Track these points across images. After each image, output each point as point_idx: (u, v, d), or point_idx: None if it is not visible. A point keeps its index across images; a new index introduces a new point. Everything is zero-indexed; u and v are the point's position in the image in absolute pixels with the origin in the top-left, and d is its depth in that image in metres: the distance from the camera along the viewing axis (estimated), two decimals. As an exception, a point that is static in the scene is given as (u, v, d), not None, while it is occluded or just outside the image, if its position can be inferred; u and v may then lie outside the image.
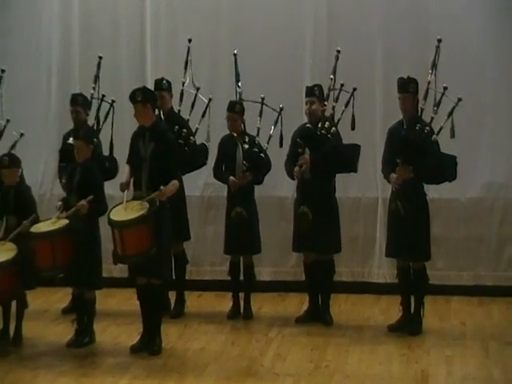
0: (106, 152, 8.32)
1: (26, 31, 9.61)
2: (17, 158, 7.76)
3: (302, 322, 8.13)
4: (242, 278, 8.44)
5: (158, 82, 8.41)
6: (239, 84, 8.57)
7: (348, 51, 8.56)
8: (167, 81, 8.44)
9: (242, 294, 8.40)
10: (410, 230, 7.70)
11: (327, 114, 8.10)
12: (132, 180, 7.43)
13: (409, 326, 7.83)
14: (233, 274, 8.43)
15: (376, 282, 9.19)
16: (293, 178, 8.19)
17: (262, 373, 6.95)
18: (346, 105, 8.04)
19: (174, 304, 8.37)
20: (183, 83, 8.58)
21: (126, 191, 7.35)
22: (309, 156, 8.01)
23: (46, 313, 8.48)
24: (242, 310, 8.37)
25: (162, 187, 7.15)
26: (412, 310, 7.90)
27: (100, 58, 8.65)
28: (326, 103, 8.12)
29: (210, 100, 8.45)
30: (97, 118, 8.43)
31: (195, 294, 8.92)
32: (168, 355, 7.32)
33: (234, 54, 8.63)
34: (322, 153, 7.96)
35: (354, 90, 8.04)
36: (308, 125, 8.13)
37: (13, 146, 8.23)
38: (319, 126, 8.03)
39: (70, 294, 7.98)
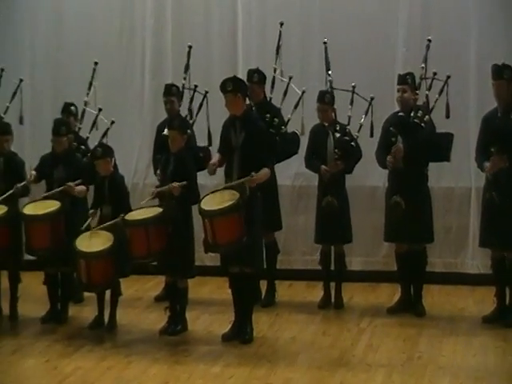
0: (200, 143, 8.39)
1: (119, 22, 9.73)
2: (109, 148, 7.88)
3: (394, 313, 8.05)
4: (332, 267, 8.41)
5: (250, 74, 8.40)
6: (329, 73, 8.53)
7: (442, 39, 8.43)
8: (259, 72, 8.40)
9: (332, 284, 8.36)
10: (504, 219, 7.55)
11: (419, 102, 8.00)
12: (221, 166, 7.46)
13: (504, 318, 7.69)
14: (324, 264, 8.40)
15: (469, 272, 9.05)
16: (384, 168, 8.11)
17: (353, 363, 6.91)
18: (440, 93, 7.94)
19: (264, 293, 8.39)
20: (275, 70, 8.57)
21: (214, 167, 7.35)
22: (402, 145, 7.93)
23: (139, 301, 8.59)
24: (332, 300, 8.34)
25: (252, 173, 7.16)
26: (507, 302, 7.76)
27: (189, 47, 8.72)
28: (417, 92, 8.04)
29: (303, 92, 8.41)
30: (190, 109, 8.50)
31: (286, 283, 8.91)
32: (259, 344, 7.35)
33: (325, 43, 8.59)
34: (415, 142, 7.87)
35: (448, 77, 7.93)
36: (400, 113, 8.04)
37: (104, 134, 8.39)
38: (412, 114, 7.94)
39: (163, 282, 8.05)
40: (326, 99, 8.25)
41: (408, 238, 7.97)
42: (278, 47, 8.66)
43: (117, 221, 7.53)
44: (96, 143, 8.15)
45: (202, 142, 8.44)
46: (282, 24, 8.71)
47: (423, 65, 8.08)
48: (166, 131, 7.99)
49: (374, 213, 8.88)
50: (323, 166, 8.23)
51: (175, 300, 7.64)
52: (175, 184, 7.37)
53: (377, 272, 9.10)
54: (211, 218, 7.19)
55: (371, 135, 8.18)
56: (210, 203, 7.27)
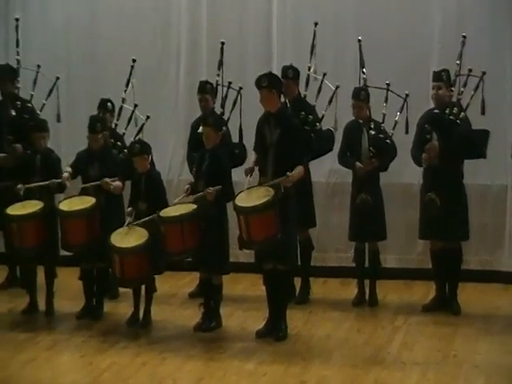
0: (235, 139, 8.41)
1: (154, 18, 9.76)
2: (147, 145, 7.91)
3: (429, 311, 8.02)
4: (367, 264, 8.38)
5: (285, 70, 8.39)
6: (364, 70, 8.50)
7: (477, 35, 8.38)
8: (294, 69, 8.40)
9: (367, 281, 8.34)
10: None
11: (454, 99, 7.95)
12: (258, 166, 7.47)
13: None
14: (358, 261, 8.38)
15: (505, 270, 8.99)
16: (420, 165, 8.08)
17: (388, 361, 6.89)
18: (475, 89, 7.89)
19: (299, 290, 8.38)
20: (309, 68, 8.57)
21: (248, 176, 7.39)
22: (437, 142, 7.88)
23: (173, 297, 8.61)
24: (367, 297, 8.32)
25: (288, 173, 7.16)
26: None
27: (222, 43, 8.73)
28: (452, 89, 7.99)
29: (337, 87, 8.40)
30: (222, 104, 8.50)
31: (320, 280, 8.91)
32: (293, 341, 7.34)
33: (359, 40, 8.57)
34: (451, 139, 7.83)
35: (484, 74, 7.88)
36: (436, 110, 8.00)
37: (140, 130, 8.42)
38: (447, 111, 7.89)
39: (198, 279, 8.08)
40: (361, 96, 8.23)
41: (443, 235, 7.93)
42: (313, 46, 8.66)
43: (153, 217, 7.56)
44: (132, 139, 8.20)
45: (236, 138, 8.45)
46: (316, 24, 8.70)
47: (458, 61, 8.04)
48: (200, 129, 8.02)
49: (408, 210, 8.84)
50: (358, 163, 8.21)
51: (209, 296, 7.66)
52: (210, 189, 7.38)
53: (411, 270, 9.05)
54: (246, 214, 7.19)
55: (406, 132, 8.15)
56: (244, 200, 7.28)
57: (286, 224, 7.22)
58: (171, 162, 9.61)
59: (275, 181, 7.21)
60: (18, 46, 9.14)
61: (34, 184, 7.92)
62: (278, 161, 7.30)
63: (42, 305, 8.14)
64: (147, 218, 7.59)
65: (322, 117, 8.42)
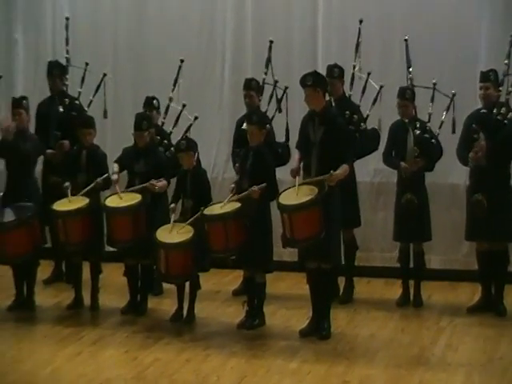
0: (279, 138, 8.41)
1: (200, 16, 9.77)
2: (193, 142, 7.94)
3: (475, 312, 7.95)
4: (411, 265, 8.33)
5: (330, 69, 8.37)
6: (410, 70, 8.46)
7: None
8: (339, 68, 8.39)
9: (411, 282, 8.29)
10: None
11: (501, 99, 7.89)
12: (302, 165, 7.47)
13: None
14: (402, 261, 8.32)
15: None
16: (466, 164, 8.01)
17: (433, 362, 6.84)
18: (524, 89, 7.82)
19: (343, 289, 8.36)
20: (354, 66, 8.55)
21: (297, 177, 7.39)
22: (484, 142, 7.81)
23: (217, 294, 8.63)
24: (411, 298, 8.27)
25: (332, 171, 7.14)
26: None
27: (271, 42, 8.74)
28: (500, 89, 7.92)
29: (381, 87, 8.37)
30: (271, 103, 8.51)
31: (364, 280, 8.86)
32: (337, 340, 7.32)
33: (405, 40, 8.53)
34: (498, 139, 7.76)
35: (532, 73, 7.81)
36: (483, 110, 7.93)
37: (187, 130, 8.47)
38: (494, 111, 7.82)
39: (241, 277, 8.09)
40: (406, 95, 8.18)
41: (490, 236, 7.85)
42: (358, 44, 8.64)
43: (199, 215, 7.58)
44: (178, 138, 8.24)
45: (280, 137, 8.45)
46: (361, 21, 8.69)
47: (506, 61, 7.97)
48: (244, 125, 8.03)
49: (454, 211, 8.78)
50: (403, 163, 8.17)
51: (253, 294, 7.66)
52: (255, 188, 7.39)
53: (457, 271, 8.96)
54: (290, 212, 7.19)
55: (453, 132, 8.09)
56: (288, 198, 7.27)
57: (330, 223, 7.21)
58: (216, 159, 9.63)
59: (319, 178, 7.19)
60: (67, 44, 9.24)
61: (83, 191, 7.97)
62: (321, 160, 7.27)
63: (87, 300, 8.20)
64: (194, 217, 7.61)
65: (367, 116, 8.40)
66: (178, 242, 7.55)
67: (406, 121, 8.22)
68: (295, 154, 7.62)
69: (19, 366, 6.83)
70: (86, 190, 7.98)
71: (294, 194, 7.28)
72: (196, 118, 8.47)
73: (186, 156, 7.84)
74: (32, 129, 8.59)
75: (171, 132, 8.65)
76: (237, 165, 8.17)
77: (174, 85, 8.74)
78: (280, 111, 8.44)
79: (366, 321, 7.87)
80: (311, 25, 9.52)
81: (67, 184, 8.00)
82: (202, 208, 7.57)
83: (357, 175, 8.40)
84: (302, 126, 7.52)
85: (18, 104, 8.18)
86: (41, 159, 8.71)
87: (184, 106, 8.57)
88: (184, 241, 7.55)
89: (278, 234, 7.52)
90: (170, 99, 8.71)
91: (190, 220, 7.64)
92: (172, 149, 8.34)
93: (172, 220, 7.71)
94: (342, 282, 8.34)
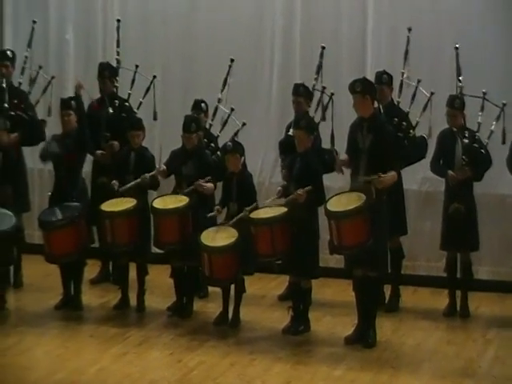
0: (325, 144, 8.40)
1: (249, 21, 9.77)
2: (240, 145, 7.97)
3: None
4: (458, 275, 8.26)
5: (379, 76, 8.36)
6: (460, 78, 8.41)
7: None
8: (388, 74, 8.37)
9: (458, 292, 8.22)
10: None
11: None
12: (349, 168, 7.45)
13: None
14: (449, 271, 8.26)
15: None
16: (516, 176, 7.96)
17: (479, 375, 6.79)
18: None
19: (388, 298, 8.32)
20: (402, 74, 8.52)
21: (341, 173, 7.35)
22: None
23: (262, 299, 8.62)
24: (458, 308, 8.20)
25: (381, 174, 7.11)
26: None
27: (323, 48, 8.73)
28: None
29: (431, 94, 8.33)
30: (323, 109, 8.50)
31: (410, 288, 8.79)
32: (382, 349, 7.30)
33: (456, 48, 8.49)
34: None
35: None
36: (535, 121, 7.88)
37: (235, 134, 8.50)
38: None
39: (287, 282, 8.09)
40: (455, 104, 8.14)
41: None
42: (406, 52, 8.61)
43: (242, 216, 7.59)
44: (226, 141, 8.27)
45: (327, 143, 8.43)
46: (410, 29, 8.65)
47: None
48: (291, 131, 8.03)
49: (503, 222, 8.72)
50: (450, 172, 8.12)
51: (299, 300, 7.66)
52: (300, 191, 7.38)
53: (505, 282, 8.85)
54: (337, 219, 7.19)
55: (503, 142, 8.03)
56: (336, 205, 7.27)
57: (377, 230, 7.19)
58: (263, 164, 9.62)
59: (367, 178, 7.17)
60: (118, 46, 9.30)
61: (128, 185, 8.02)
62: (369, 166, 7.26)
63: (133, 301, 8.23)
64: (237, 217, 7.63)
65: (416, 124, 8.36)
66: (222, 246, 7.58)
67: (455, 129, 8.18)
68: (344, 157, 7.57)
69: (66, 365, 6.90)
70: (132, 184, 8.01)
71: (342, 200, 7.27)
72: (244, 124, 8.51)
73: (232, 158, 7.86)
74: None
75: (218, 136, 8.68)
76: (283, 170, 8.19)
77: (224, 85, 8.76)
78: (324, 119, 8.42)
79: (411, 330, 7.82)
80: (360, 30, 9.48)
81: (114, 182, 8.07)
82: (246, 209, 7.58)
83: (404, 183, 8.36)
84: (351, 132, 7.51)
85: (67, 105, 8.25)
86: (90, 160, 8.78)
87: (232, 110, 8.60)
88: (227, 244, 7.57)
89: (324, 240, 7.53)
90: (219, 100, 8.74)
91: (234, 220, 7.65)
92: (219, 152, 8.37)
93: (215, 209, 7.72)
94: (387, 290, 8.30)
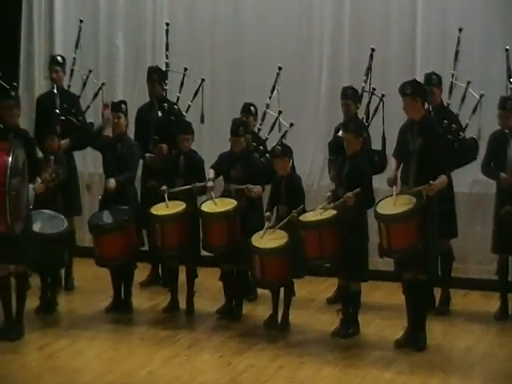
0: (375, 146, 8.36)
1: (297, 25, 9.75)
2: (288, 148, 7.96)
3: None
4: (510, 278, 8.19)
5: (428, 77, 8.30)
6: (511, 80, 8.32)
7: None
8: (437, 76, 8.31)
9: (510, 295, 8.14)
10: None
11: None
12: (399, 174, 7.41)
13: None
14: (501, 274, 8.18)
15: None
16: None
17: (532, 379, 6.74)
18: None
19: (438, 301, 8.25)
20: (452, 75, 8.46)
21: (394, 186, 7.34)
22: None
23: (312, 302, 8.60)
24: (510, 312, 8.11)
25: (431, 182, 7.07)
26: None
27: (372, 50, 8.70)
28: None
29: (481, 96, 8.26)
30: (367, 112, 8.48)
31: (461, 292, 8.69)
32: (433, 352, 7.24)
33: (506, 49, 8.41)
34: None
35: None
36: None
37: (283, 136, 8.52)
38: None
39: (336, 285, 8.08)
40: (507, 105, 8.06)
41: None
42: (457, 53, 8.55)
43: (289, 218, 7.59)
44: (274, 145, 8.28)
45: (376, 145, 8.39)
46: (460, 30, 8.58)
47: None
48: (340, 133, 8.01)
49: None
50: (502, 174, 8.04)
51: (348, 303, 7.64)
52: (349, 194, 7.37)
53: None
54: (387, 222, 7.16)
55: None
56: (386, 208, 7.24)
57: (428, 233, 7.14)
58: (312, 167, 9.58)
59: (417, 188, 7.14)
60: (167, 49, 9.36)
61: (178, 188, 8.06)
62: (420, 169, 7.22)
63: (182, 304, 8.27)
64: (284, 220, 7.63)
65: (466, 126, 8.30)
66: (273, 248, 7.59)
67: (507, 131, 8.10)
68: (392, 163, 7.56)
69: (116, 367, 6.96)
70: (182, 189, 8.04)
71: (392, 203, 7.25)
72: (292, 124, 8.52)
73: (280, 162, 7.86)
74: (131, 133, 8.72)
75: (267, 138, 8.70)
76: (332, 172, 8.17)
77: (272, 92, 8.77)
78: (367, 121, 8.39)
79: (462, 334, 7.76)
80: (409, 32, 9.41)
81: (164, 187, 8.11)
82: (294, 212, 7.57)
83: (455, 185, 8.28)
84: (401, 134, 7.47)
85: (117, 108, 8.32)
86: (140, 163, 8.83)
87: (280, 112, 8.61)
88: (279, 246, 7.58)
89: (373, 243, 7.50)
90: (267, 106, 8.76)
91: (282, 223, 7.65)
92: (267, 155, 8.38)
93: (265, 227, 7.71)
94: (437, 293, 8.23)
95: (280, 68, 8.82)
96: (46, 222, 7.95)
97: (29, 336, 7.50)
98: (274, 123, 8.61)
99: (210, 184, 8.07)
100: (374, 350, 7.35)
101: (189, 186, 8.06)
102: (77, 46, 9.41)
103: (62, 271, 8.70)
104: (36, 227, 7.75)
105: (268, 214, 7.86)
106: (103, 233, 8.02)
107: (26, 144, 7.43)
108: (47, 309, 8.15)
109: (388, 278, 8.10)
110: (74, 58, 9.34)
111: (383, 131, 8.23)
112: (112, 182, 8.07)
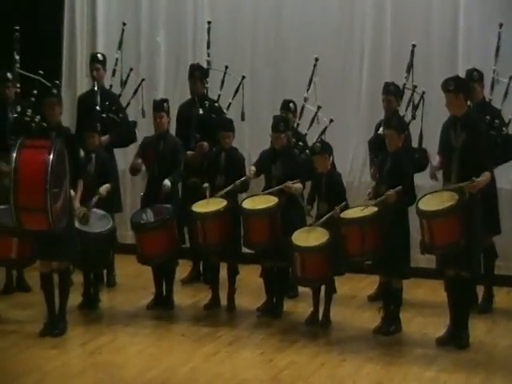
0: (415, 143, 8.31)
1: (338, 18, 9.71)
2: (328, 145, 7.95)
3: None
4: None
5: (469, 73, 8.23)
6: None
7: None
8: (478, 72, 8.24)
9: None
10: None
11: None
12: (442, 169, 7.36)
13: None
14: (544, 271, 8.14)
15: None
16: None
17: None
18: None
19: (481, 299, 8.18)
20: (494, 71, 8.39)
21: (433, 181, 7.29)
22: None
23: (353, 299, 8.57)
24: (554, 309, 8.06)
25: (473, 178, 7.01)
26: None
27: (413, 46, 8.66)
28: None
29: (524, 91, 8.21)
30: (413, 109, 8.43)
31: (504, 289, 8.62)
32: (475, 350, 7.18)
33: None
34: None
35: None
36: None
37: (322, 132, 8.50)
38: None
39: (377, 282, 8.05)
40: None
41: None
42: (498, 48, 8.48)
43: (332, 214, 7.58)
44: (314, 140, 8.26)
45: (416, 143, 8.33)
46: (501, 25, 8.50)
47: None
48: (381, 130, 7.97)
49: None
50: (545, 170, 7.98)
51: (389, 300, 7.60)
52: (391, 191, 7.33)
53: None
54: (429, 219, 7.13)
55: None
56: (428, 204, 7.20)
57: (470, 230, 7.09)
58: (352, 164, 9.56)
59: (460, 184, 7.09)
60: (208, 47, 9.37)
61: (221, 192, 8.07)
62: (462, 166, 7.17)
63: (223, 300, 8.28)
64: (327, 216, 7.62)
65: (509, 121, 8.23)
66: (314, 246, 7.57)
67: (550, 126, 8.03)
68: (437, 158, 7.50)
69: (158, 363, 6.98)
70: (224, 191, 8.07)
71: (434, 199, 7.21)
72: (331, 120, 8.50)
73: (320, 158, 7.85)
74: (172, 130, 8.76)
75: (306, 134, 8.68)
76: (372, 169, 8.13)
77: (309, 84, 8.76)
78: (414, 118, 8.35)
79: (505, 331, 7.69)
80: (451, 27, 9.36)
81: (206, 185, 8.13)
82: (337, 207, 7.55)
83: (497, 182, 8.19)
84: (443, 131, 7.42)
85: (159, 106, 8.35)
86: (181, 161, 8.87)
87: (319, 107, 8.59)
88: (320, 244, 7.56)
89: (414, 240, 7.45)
90: (305, 99, 8.74)
91: (323, 219, 7.63)
92: (307, 151, 8.37)
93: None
94: (480, 290, 8.14)
95: (317, 59, 8.78)
96: (93, 221, 8.00)
97: (72, 332, 7.57)
98: (314, 118, 8.59)
99: (251, 171, 8.04)
100: (416, 347, 7.31)
101: (230, 187, 8.07)
102: (119, 48, 9.45)
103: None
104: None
105: (308, 207, 7.85)
106: (146, 231, 8.06)
107: (68, 142, 7.48)
108: (90, 305, 8.21)
109: (430, 276, 8.06)
110: (116, 59, 9.39)
111: (421, 129, 8.17)
112: (167, 184, 8.11)
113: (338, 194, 7.79)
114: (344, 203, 7.69)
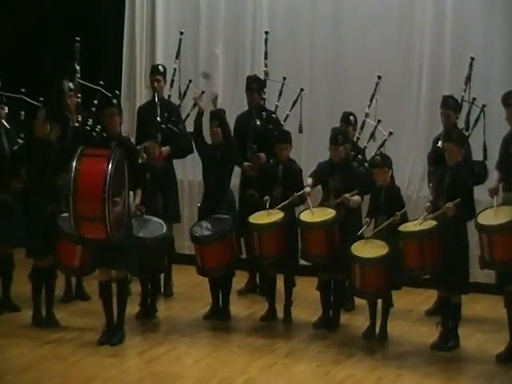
0: (475, 157, 8.23)
1: (396, 34, 9.65)
2: (388, 158, 7.91)
3: None
4: None
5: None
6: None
7: None
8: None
9: None
10: None
11: None
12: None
13: None
14: None
15: None
16: None
17: None
18: None
19: (542, 315, 8.06)
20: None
21: (495, 197, 7.22)
22: None
23: (410, 313, 8.50)
24: None
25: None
26: None
27: (472, 58, 8.60)
28: None
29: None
30: (467, 122, 8.36)
31: None
32: (537, 368, 7.10)
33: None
34: None
35: None
36: None
37: (381, 145, 8.47)
38: None
39: (435, 296, 7.98)
40: None
41: None
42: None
43: (392, 220, 7.55)
44: (373, 154, 8.23)
45: (476, 156, 8.25)
46: None
47: None
48: (439, 144, 7.91)
49: None
50: None
51: (447, 315, 7.53)
52: (449, 204, 7.26)
53: None
54: (489, 233, 7.07)
55: None
56: (487, 218, 7.14)
57: (531, 245, 7.01)
58: (411, 177, 9.47)
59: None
60: (266, 58, 9.40)
61: (280, 205, 8.05)
62: (523, 179, 7.12)
63: (280, 312, 8.26)
64: (386, 223, 7.58)
65: None
66: (375, 258, 7.55)
67: None
68: (495, 174, 7.43)
69: (215, 374, 7.00)
70: (282, 204, 8.07)
71: (494, 214, 7.14)
72: (391, 133, 8.46)
73: (380, 171, 7.82)
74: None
75: (365, 147, 8.65)
76: (431, 183, 8.07)
77: (371, 100, 8.73)
78: (467, 130, 8.26)
79: None
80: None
81: (267, 198, 8.14)
82: (397, 213, 7.50)
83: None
84: (503, 145, 7.37)
85: (216, 117, 8.38)
86: (238, 172, 8.89)
87: (379, 121, 8.56)
88: (380, 256, 7.54)
89: (473, 255, 7.38)
90: (366, 115, 8.72)
91: (384, 224, 7.59)
92: (366, 164, 8.34)
93: (360, 232, 7.67)
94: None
95: (379, 77, 8.77)
96: (145, 227, 8.06)
97: (129, 341, 7.62)
98: (373, 132, 8.56)
99: (307, 189, 8.05)
100: (475, 364, 7.24)
101: (289, 200, 8.07)
102: (177, 57, 9.53)
103: (162, 278, 8.81)
104: (136, 232, 7.87)
105: (367, 219, 7.82)
106: (206, 243, 8.09)
107: (128, 152, 7.56)
108: (147, 315, 8.26)
109: (489, 291, 7.96)
110: (175, 69, 9.46)
111: (484, 142, 8.10)
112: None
113: (397, 207, 7.73)
114: (404, 209, 7.64)
